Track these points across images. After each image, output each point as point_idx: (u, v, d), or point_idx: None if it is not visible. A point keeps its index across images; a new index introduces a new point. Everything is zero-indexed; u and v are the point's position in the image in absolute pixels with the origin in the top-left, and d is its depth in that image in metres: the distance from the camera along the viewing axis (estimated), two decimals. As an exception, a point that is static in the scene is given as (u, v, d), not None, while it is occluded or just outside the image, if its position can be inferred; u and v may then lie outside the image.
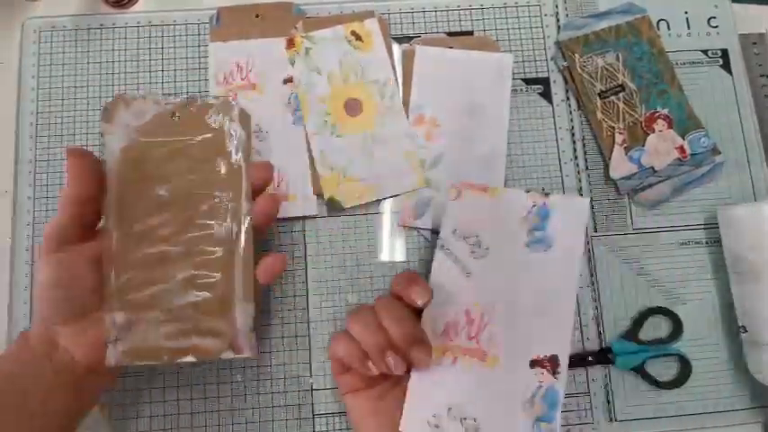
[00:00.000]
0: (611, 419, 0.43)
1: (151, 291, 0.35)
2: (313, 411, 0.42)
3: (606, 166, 0.46)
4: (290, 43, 0.47)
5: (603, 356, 0.43)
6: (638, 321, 0.44)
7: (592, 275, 0.45)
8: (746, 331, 0.41)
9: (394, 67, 0.47)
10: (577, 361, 0.43)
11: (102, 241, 0.36)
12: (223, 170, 0.36)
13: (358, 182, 0.45)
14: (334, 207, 0.45)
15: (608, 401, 0.43)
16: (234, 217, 0.36)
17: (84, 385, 0.35)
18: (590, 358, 0.43)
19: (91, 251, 0.35)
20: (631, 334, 0.43)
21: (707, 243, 0.46)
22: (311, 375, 0.43)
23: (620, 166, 0.46)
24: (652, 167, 0.46)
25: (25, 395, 0.33)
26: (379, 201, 0.45)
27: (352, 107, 0.46)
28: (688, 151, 0.46)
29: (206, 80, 0.47)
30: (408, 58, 0.48)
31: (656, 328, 0.44)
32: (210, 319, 0.35)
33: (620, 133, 0.46)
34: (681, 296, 0.45)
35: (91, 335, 0.35)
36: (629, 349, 0.43)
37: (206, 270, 0.35)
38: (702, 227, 0.46)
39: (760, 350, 0.41)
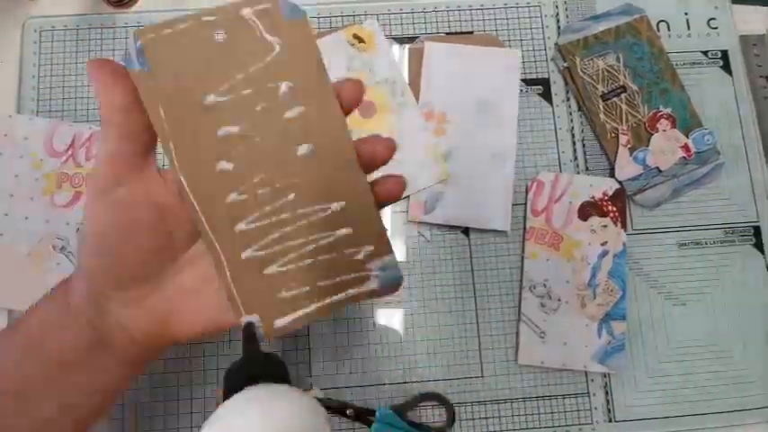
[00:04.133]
0: (610, 419, 0.43)
1: (273, 237, 0.27)
2: (313, 411, 0.42)
3: (608, 167, 0.46)
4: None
5: (365, 414, 0.41)
6: (414, 402, 0.42)
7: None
8: None
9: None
10: (338, 408, 0.41)
11: (172, 180, 0.27)
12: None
13: None
14: None
15: (608, 401, 0.43)
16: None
17: (129, 365, 0.28)
18: (350, 411, 0.41)
19: (154, 192, 0.27)
20: (403, 409, 0.42)
21: (706, 243, 0.46)
22: (311, 375, 0.43)
23: (626, 167, 0.46)
24: (657, 167, 0.46)
25: (60, 369, 0.27)
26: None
27: (366, 110, 0.46)
28: (693, 149, 0.46)
29: (206, 80, 0.47)
30: (415, 56, 0.48)
31: (429, 414, 0.42)
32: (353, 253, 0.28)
33: (624, 134, 0.46)
34: (680, 296, 0.45)
35: (152, 305, 0.27)
36: (391, 422, 0.41)
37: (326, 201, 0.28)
38: (702, 227, 0.46)
39: None
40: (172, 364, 0.42)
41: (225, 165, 0.26)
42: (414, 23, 0.49)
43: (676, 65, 0.48)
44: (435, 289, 0.44)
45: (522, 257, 0.45)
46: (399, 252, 0.45)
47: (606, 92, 0.47)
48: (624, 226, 0.45)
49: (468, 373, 0.43)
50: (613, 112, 0.47)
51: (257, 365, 0.27)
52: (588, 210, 0.45)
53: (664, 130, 0.46)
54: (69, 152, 0.44)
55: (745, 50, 0.49)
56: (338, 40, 0.47)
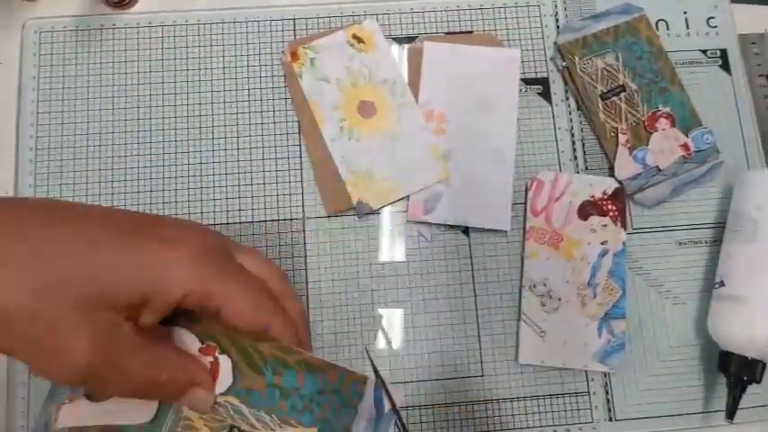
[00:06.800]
0: (611, 418, 0.43)
1: None
2: (313, 411, 0.42)
3: (607, 167, 0.46)
4: (294, 56, 0.47)
5: None
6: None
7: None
8: (724, 285, 0.42)
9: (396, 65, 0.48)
10: None
11: None
12: None
13: (384, 182, 0.45)
14: (363, 210, 0.45)
15: (608, 401, 0.43)
16: None
17: None
18: None
19: None
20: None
21: (706, 243, 0.46)
22: (311, 375, 0.43)
23: (626, 166, 0.46)
24: (657, 167, 0.46)
25: None
26: (379, 201, 0.46)
27: (366, 109, 0.46)
28: (692, 148, 0.46)
29: (207, 80, 0.47)
30: (415, 55, 0.48)
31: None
32: None
33: (624, 134, 0.46)
34: (680, 296, 0.45)
35: None
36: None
37: None
38: (701, 227, 0.46)
39: (731, 304, 0.41)
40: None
41: None
42: (413, 23, 0.49)
43: (675, 64, 0.48)
44: (435, 289, 0.44)
45: (522, 257, 0.45)
46: (399, 252, 0.45)
47: (605, 91, 0.47)
48: (624, 225, 0.45)
49: (468, 373, 0.43)
50: (613, 112, 0.47)
51: None
52: (588, 209, 0.45)
53: (663, 129, 0.46)
54: None
55: (744, 49, 0.49)
56: (338, 41, 0.47)
